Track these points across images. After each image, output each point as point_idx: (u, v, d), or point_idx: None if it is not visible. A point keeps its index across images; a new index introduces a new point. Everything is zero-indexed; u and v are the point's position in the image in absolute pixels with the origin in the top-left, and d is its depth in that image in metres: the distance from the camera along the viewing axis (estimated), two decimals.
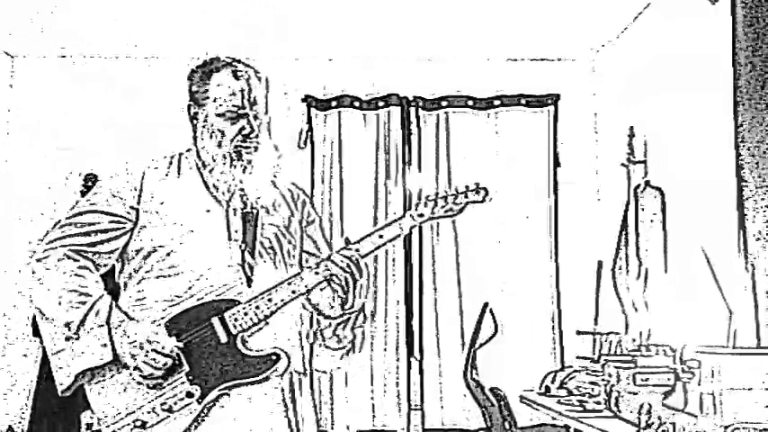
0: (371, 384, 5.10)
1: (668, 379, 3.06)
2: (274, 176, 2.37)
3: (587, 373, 3.82)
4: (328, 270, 2.22)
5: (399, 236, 2.38)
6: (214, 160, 2.27)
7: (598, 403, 3.49)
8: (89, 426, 2.14)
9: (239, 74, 2.28)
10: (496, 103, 5.26)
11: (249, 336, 2.18)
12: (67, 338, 2.13)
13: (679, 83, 3.97)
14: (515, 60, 5.27)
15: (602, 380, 3.52)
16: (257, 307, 2.18)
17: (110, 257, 2.26)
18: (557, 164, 5.24)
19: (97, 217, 2.24)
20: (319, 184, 5.21)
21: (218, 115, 2.26)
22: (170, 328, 2.15)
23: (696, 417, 2.68)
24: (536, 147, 5.27)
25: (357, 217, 5.18)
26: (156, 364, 2.11)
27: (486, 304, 4.13)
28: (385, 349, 5.12)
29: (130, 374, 2.12)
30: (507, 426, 3.89)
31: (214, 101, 2.27)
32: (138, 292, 2.22)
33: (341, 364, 2.42)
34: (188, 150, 2.37)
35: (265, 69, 2.37)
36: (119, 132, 4.94)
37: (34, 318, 4.50)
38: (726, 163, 3.38)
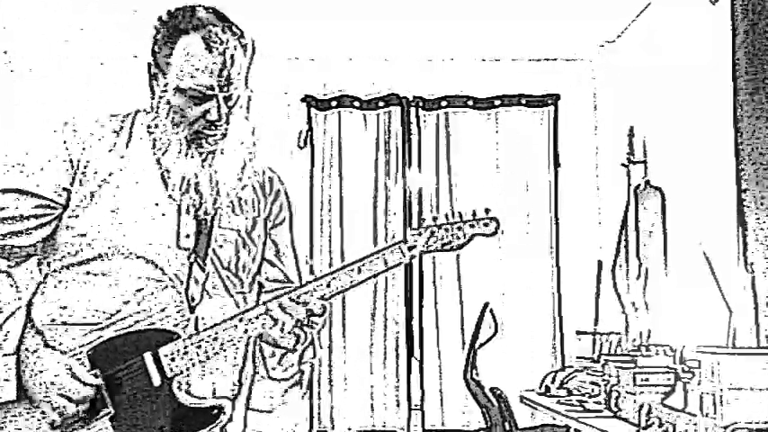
0: (371, 384, 5.09)
1: (668, 379, 3.06)
2: (245, 164, 1.92)
3: (587, 373, 3.82)
4: (271, 315, 1.79)
5: (382, 272, 1.88)
6: (169, 142, 1.83)
7: (598, 403, 3.49)
8: None
9: (213, 43, 1.80)
10: (497, 103, 5.26)
11: (193, 378, 1.80)
12: None
13: (679, 83, 3.97)
14: (515, 60, 5.27)
15: (603, 380, 3.52)
16: (199, 346, 1.76)
17: (28, 251, 1.83)
18: (557, 164, 5.24)
19: (17, 200, 1.78)
20: (319, 184, 5.21)
21: (180, 90, 1.80)
22: (92, 359, 1.75)
23: (696, 417, 2.68)
24: (536, 147, 5.27)
25: (357, 217, 5.18)
26: (65, 410, 1.70)
27: (486, 304, 4.12)
28: (385, 349, 5.12)
29: (43, 415, 1.72)
30: (507, 426, 3.89)
31: (177, 71, 1.80)
32: (59, 299, 1.79)
33: (282, 400, 2.07)
34: (146, 112, 1.91)
35: (252, 30, 1.95)
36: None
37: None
38: (726, 163, 3.38)
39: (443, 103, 5.26)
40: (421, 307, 5.16)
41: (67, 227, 1.81)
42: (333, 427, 5.03)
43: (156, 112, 1.85)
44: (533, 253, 5.17)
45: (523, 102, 5.27)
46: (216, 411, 1.82)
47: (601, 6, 4.48)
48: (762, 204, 3.21)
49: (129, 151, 1.85)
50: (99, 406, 1.76)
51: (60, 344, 1.76)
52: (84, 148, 1.83)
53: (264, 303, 1.82)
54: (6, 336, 1.73)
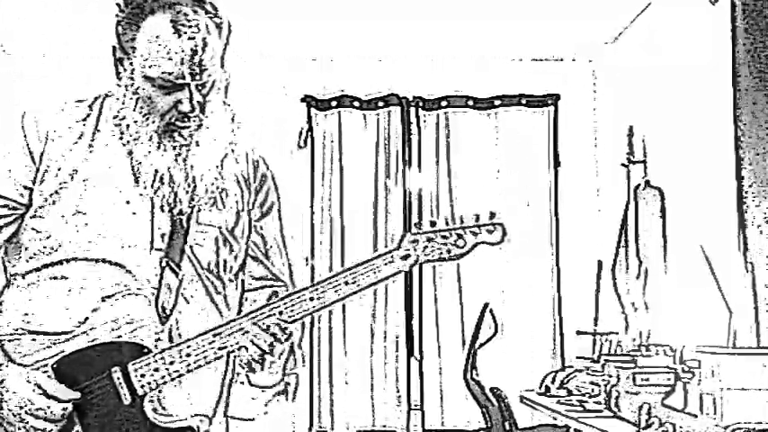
0: (371, 384, 5.09)
1: (668, 379, 3.06)
2: (225, 156, 1.74)
3: (587, 373, 3.82)
4: (246, 336, 1.62)
5: (373, 285, 1.66)
6: (138, 134, 1.66)
7: (598, 403, 3.49)
8: None
9: (182, 26, 1.60)
10: (497, 103, 5.26)
11: (162, 396, 1.66)
12: None
13: (679, 83, 3.97)
14: (515, 60, 5.27)
15: (603, 380, 3.51)
16: (171, 363, 1.61)
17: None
18: (557, 164, 5.24)
19: None
20: (319, 184, 5.21)
21: (147, 78, 1.63)
22: (58, 372, 1.61)
23: (696, 417, 2.68)
24: (536, 147, 5.27)
25: (357, 217, 5.18)
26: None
27: (486, 304, 4.12)
28: (385, 349, 5.12)
29: None
30: (507, 426, 3.89)
31: (143, 57, 1.62)
32: (22, 306, 1.65)
33: (267, 409, 1.86)
34: (116, 98, 1.73)
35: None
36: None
37: None
38: (726, 163, 3.38)
39: (443, 103, 5.26)
40: (421, 307, 5.16)
41: (31, 228, 1.66)
42: (333, 428, 5.03)
43: (123, 102, 1.68)
44: (533, 253, 5.17)
45: (523, 102, 5.27)
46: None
47: (601, 6, 4.48)
48: (762, 204, 3.21)
49: (96, 143, 1.69)
50: (67, 425, 1.62)
51: (24, 356, 1.62)
52: (46, 141, 1.67)
53: (238, 324, 1.64)
54: None
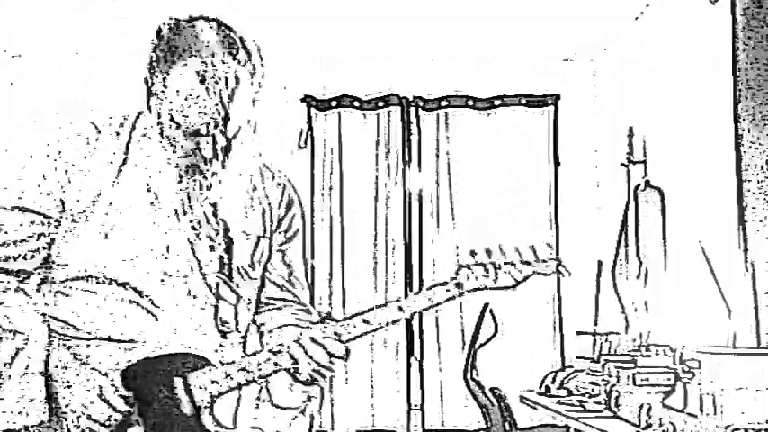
0: (371, 384, 5.09)
1: (668, 379, 3.06)
2: (255, 184, 1.83)
3: (587, 373, 3.82)
4: (290, 356, 1.71)
5: (428, 309, 1.76)
6: (160, 169, 1.71)
7: (598, 403, 3.49)
8: None
9: (210, 81, 1.64)
10: (497, 102, 5.26)
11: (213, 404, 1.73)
12: None
13: (679, 83, 3.97)
14: (516, 60, 5.26)
15: (603, 380, 3.51)
16: (230, 376, 1.70)
17: (38, 269, 1.74)
18: (557, 164, 5.24)
19: (19, 218, 1.69)
20: (319, 184, 5.21)
21: (173, 121, 1.67)
22: (125, 377, 1.69)
23: (696, 417, 2.68)
24: (536, 147, 5.27)
25: (357, 217, 5.18)
26: None
27: (486, 304, 4.12)
28: (385, 348, 5.12)
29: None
30: (507, 426, 3.89)
31: (170, 102, 1.67)
32: (81, 321, 1.71)
33: (292, 422, 1.95)
34: (143, 125, 1.77)
35: (252, 30, 1.79)
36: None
37: None
38: (726, 163, 3.38)
39: (443, 103, 5.26)
40: None
41: (66, 241, 1.71)
42: (333, 428, 5.03)
43: (150, 135, 1.73)
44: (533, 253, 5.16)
45: (523, 102, 5.27)
46: None
47: (601, 6, 4.47)
48: (762, 204, 3.21)
49: (126, 166, 1.74)
50: (131, 422, 1.70)
51: (88, 356, 1.70)
52: (79, 159, 1.73)
53: (297, 340, 1.73)
54: (31, 356, 1.66)
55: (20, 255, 1.70)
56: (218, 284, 1.76)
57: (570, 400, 3.71)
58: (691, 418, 2.71)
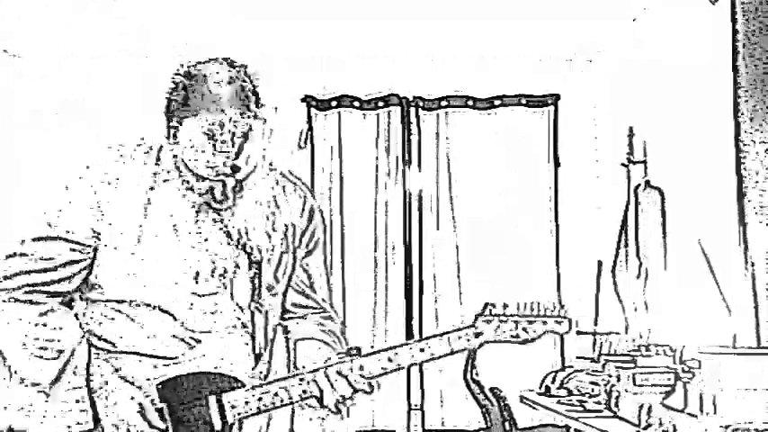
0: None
1: (668, 379, 3.06)
2: (273, 209, 1.92)
3: (587, 373, 3.82)
4: (317, 385, 1.83)
5: (446, 356, 1.90)
6: (177, 205, 1.84)
7: (598, 403, 3.48)
8: None
9: (217, 134, 1.75)
10: (496, 103, 5.26)
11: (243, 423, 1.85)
12: (39, 394, 1.77)
13: (679, 83, 3.97)
14: (515, 60, 5.26)
15: (602, 380, 3.51)
16: (260, 399, 1.82)
17: (76, 291, 1.87)
18: (557, 164, 5.24)
19: (58, 246, 1.82)
20: (319, 184, 5.21)
21: (184, 163, 1.81)
22: (161, 391, 1.82)
23: (696, 417, 2.68)
24: (536, 147, 5.26)
25: (357, 217, 5.18)
26: None
27: (485, 304, 4.12)
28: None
29: None
30: (507, 426, 3.89)
31: (182, 150, 1.81)
32: (119, 337, 1.84)
33: (325, 426, 2.12)
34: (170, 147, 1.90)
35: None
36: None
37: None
38: (726, 163, 3.38)
39: (443, 103, 5.26)
40: (421, 306, 5.15)
41: (102, 267, 1.84)
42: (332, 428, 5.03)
43: (169, 171, 1.85)
44: (533, 253, 5.17)
45: (523, 102, 5.26)
46: None
47: (601, 6, 4.47)
48: (762, 204, 3.21)
49: (155, 195, 1.85)
50: None
51: (126, 372, 1.83)
52: (110, 190, 1.84)
53: (325, 371, 1.85)
54: (75, 370, 1.78)
55: (60, 279, 1.82)
56: (252, 311, 1.88)
57: (570, 400, 3.71)
58: (691, 418, 2.71)
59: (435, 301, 5.17)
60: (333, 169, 5.23)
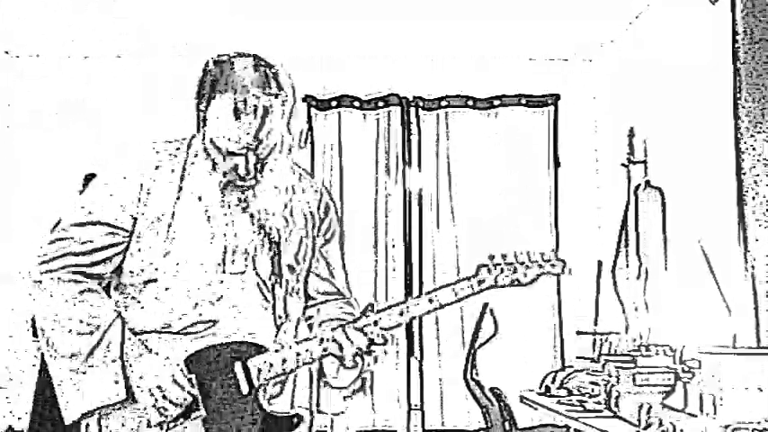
0: (371, 384, 5.09)
1: (668, 379, 3.06)
2: (291, 195, 2.08)
3: (587, 373, 3.82)
4: (335, 341, 1.97)
5: (452, 303, 2.08)
6: (206, 184, 2.01)
7: (598, 403, 3.49)
8: (89, 425, 2.00)
9: (242, 112, 1.94)
10: (496, 103, 5.26)
11: (274, 388, 1.99)
12: (73, 370, 1.90)
13: (679, 83, 3.97)
14: (515, 60, 5.27)
15: (602, 380, 3.52)
16: (284, 360, 1.95)
17: (111, 275, 2.03)
18: (557, 164, 5.24)
19: (97, 230, 1.96)
20: (319, 183, 5.21)
21: (212, 143, 1.98)
22: (189, 364, 1.94)
23: (696, 417, 2.68)
24: (536, 147, 5.27)
25: (357, 217, 5.18)
26: (166, 413, 1.91)
27: (486, 304, 4.13)
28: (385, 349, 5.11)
29: (143, 412, 1.93)
30: (507, 426, 3.89)
31: (210, 128, 1.97)
32: (150, 316, 1.99)
33: (344, 407, 2.25)
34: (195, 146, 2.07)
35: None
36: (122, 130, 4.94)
37: (33, 319, 4.51)
38: (726, 162, 3.38)
39: (443, 103, 5.26)
40: None
41: (139, 249, 1.99)
42: (332, 428, 5.03)
43: (196, 154, 2.03)
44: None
45: (523, 102, 5.27)
46: (296, 420, 2.02)
47: (601, 6, 4.48)
48: (762, 204, 3.21)
49: (186, 182, 2.01)
50: (193, 408, 1.94)
51: (158, 352, 1.95)
52: (147, 179, 1.99)
53: (343, 327, 1.99)
54: (109, 345, 1.92)
55: (98, 261, 1.97)
56: (272, 284, 2.02)
57: (570, 400, 3.71)
58: (691, 418, 2.71)
59: None
60: (333, 169, 5.23)
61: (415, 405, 5.07)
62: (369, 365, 2.12)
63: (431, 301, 2.05)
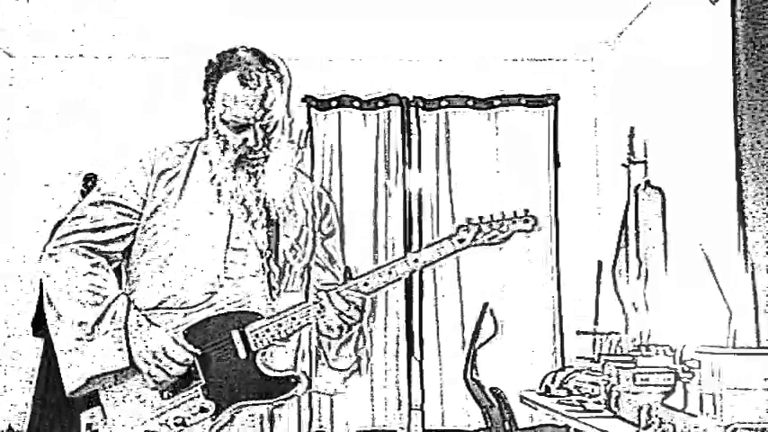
0: (371, 384, 5.10)
1: (668, 379, 3.06)
2: (293, 180, 2.25)
3: (587, 373, 3.82)
4: (331, 304, 2.10)
5: (435, 262, 2.20)
6: (218, 164, 2.16)
7: (598, 403, 3.49)
8: (89, 426, 2.08)
9: (248, 80, 2.10)
10: (496, 103, 5.26)
11: (270, 354, 2.10)
12: (79, 339, 2.02)
13: (679, 83, 3.97)
14: (515, 60, 5.27)
15: (602, 380, 3.52)
16: (279, 325, 2.08)
17: (121, 253, 2.17)
18: (557, 164, 5.24)
19: (110, 210, 2.13)
20: (319, 184, 5.21)
21: (223, 122, 2.12)
22: (188, 336, 2.06)
23: (696, 417, 2.68)
24: (536, 147, 5.27)
25: (357, 217, 5.18)
26: (170, 371, 2.03)
27: (486, 304, 4.13)
28: (385, 349, 5.12)
29: (144, 380, 2.04)
30: (507, 426, 3.89)
31: (221, 105, 2.13)
32: (155, 293, 2.12)
33: (343, 388, 2.33)
34: (205, 141, 2.25)
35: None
36: (122, 131, 4.94)
37: (34, 317, 4.51)
38: (726, 163, 3.38)
39: (443, 103, 5.26)
40: (421, 307, 5.16)
41: (143, 230, 2.16)
42: (332, 428, 5.03)
43: (208, 140, 2.19)
44: (533, 253, 5.17)
45: (523, 102, 5.27)
46: (294, 380, 2.10)
47: (601, 6, 4.48)
48: (762, 204, 3.21)
49: (192, 173, 2.19)
50: (193, 375, 2.06)
51: (162, 324, 2.08)
52: (158, 171, 2.17)
53: (327, 293, 2.12)
54: (115, 314, 2.04)
55: (109, 239, 2.13)
56: (268, 257, 2.16)
57: (570, 400, 3.71)
58: (691, 418, 2.71)
59: (435, 300, 5.17)
60: (333, 169, 5.23)
61: (415, 405, 5.07)
62: (363, 346, 2.30)
63: (415, 260, 2.17)
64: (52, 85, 5.13)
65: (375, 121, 5.27)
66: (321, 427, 5.02)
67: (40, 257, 2.13)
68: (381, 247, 5.17)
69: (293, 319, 2.09)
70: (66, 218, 2.19)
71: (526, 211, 2.23)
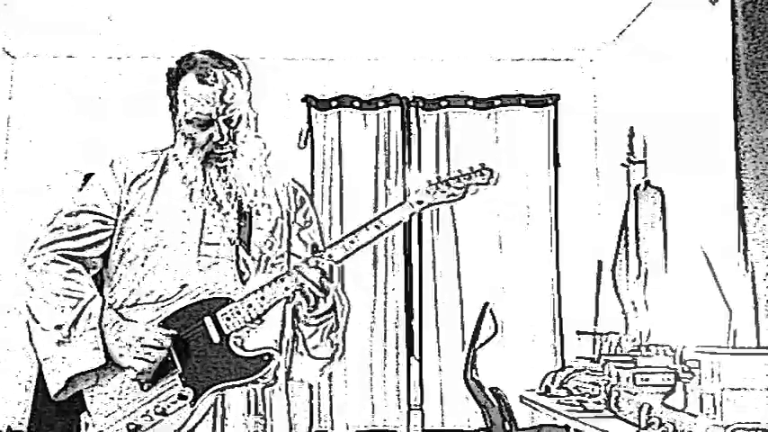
0: (371, 384, 5.10)
1: (668, 379, 3.06)
2: (265, 174, 2.31)
3: (587, 373, 3.82)
4: (299, 279, 2.16)
5: (396, 226, 2.24)
6: (187, 164, 2.24)
7: (598, 403, 3.49)
8: (87, 425, 2.11)
9: (205, 77, 2.18)
10: (496, 103, 5.26)
11: (245, 335, 2.16)
12: (59, 342, 2.09)
13: (679, 83, 3.97)
14: (515, 60, 5.27)
15: (602, 380, 3.52)
16: (250, 305, 2.14)
17: (99, 259, 2.24)
18: (557, 164, 5.24)
19: (85, 218, 2.21)
20: (319, 184, 5.21)
21: (187, 121, 2.20)
22: (164, 327, 2.13)
23: (696, 417, 2.68)
24: (536, 147, 5.27)
25: (357, 217, 5.17)
26: (149, 357, 2.09)
27: (486, 304, 4.12)
28: (385, 349, 5.12)
29: (124, 374, 2.10)
30: (507, 426, 3.89)
31: (183, 105, 2.21)
32: (130, 292, 2.19)
33: (320, 377, 2.39)
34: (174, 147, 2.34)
35: (257, 65, 2.30)
36: (115, 132, 4.94)
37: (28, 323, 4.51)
38: (726, 163, 3.38)
39: (443, 103, 5.26)
40: (421, 307, 5.16)
41: (122, 233, 2.23)
42: (332, 428, 5.03)
43: (176, 142, 2.27)
44: (533, 253, 5.17)
45: (523, 102, 5.27)
46: (267, 357, 2.15)
47: (601, 6, 4.48)
48: (762, 204, 3.21)
49: (163, 178, 2.26)
50: (170, 367, 2.11)
51: (136, 321, 2.14)
52: (129, 178, 2.25)
53: (296, 268, 2.17)
54: (90, 315, 2.11)
55: (86, 245, 2.20)
56: (238, 245, 2.21)
57: (570, 400, 3.71)
58: (691, 418, 2.71)
59: (435, 300, 5.17)
60: (333, 169, 5.23)
61: (415, 405, 5.07)
62: (336, 330, 2.37)
63: (377, 227, 2.19)
64: (52, 85, 5.13)
65: (375, 121, 5.27)
66: (321, 426, 5.01)
67: (21, 265, 2.23)
68: (381, 247, 5.17)
69: (262, 298, 2.14)
70: (51, 221, 2.27)
71: (482, 164, 2.37)
